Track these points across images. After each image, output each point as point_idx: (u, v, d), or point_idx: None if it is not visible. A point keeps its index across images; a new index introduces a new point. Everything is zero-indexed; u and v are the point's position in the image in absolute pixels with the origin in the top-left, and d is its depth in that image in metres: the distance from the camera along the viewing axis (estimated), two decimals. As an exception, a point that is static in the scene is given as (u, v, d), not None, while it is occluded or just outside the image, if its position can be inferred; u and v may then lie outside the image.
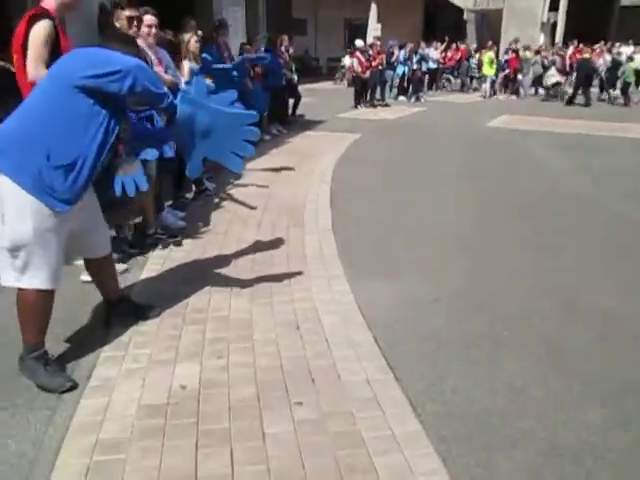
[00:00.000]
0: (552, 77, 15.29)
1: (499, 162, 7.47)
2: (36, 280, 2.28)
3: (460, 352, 2.74)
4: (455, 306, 3.23)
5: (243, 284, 3.41)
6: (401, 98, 15.31)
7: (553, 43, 20.11)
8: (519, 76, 16.12)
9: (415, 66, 15.00)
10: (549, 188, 6.06)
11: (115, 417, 2.18)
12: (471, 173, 6.72)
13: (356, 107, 13.19)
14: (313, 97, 15.02)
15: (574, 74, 15.26)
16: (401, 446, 2.06)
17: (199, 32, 7.30)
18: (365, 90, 13.48)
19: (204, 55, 4.94)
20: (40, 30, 2.96)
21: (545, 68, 15.62)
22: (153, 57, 3.97)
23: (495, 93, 16.41)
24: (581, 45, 17.25)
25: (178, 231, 4.29)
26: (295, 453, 2.02)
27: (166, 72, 4.15)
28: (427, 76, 16.35)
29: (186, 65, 4.78)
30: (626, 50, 16.26)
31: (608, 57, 16.11)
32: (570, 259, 4.02)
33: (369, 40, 16.14)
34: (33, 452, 2.02)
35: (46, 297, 2.34)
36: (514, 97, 16.15)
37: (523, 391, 2.44)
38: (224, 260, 3.81)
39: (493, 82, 16.33)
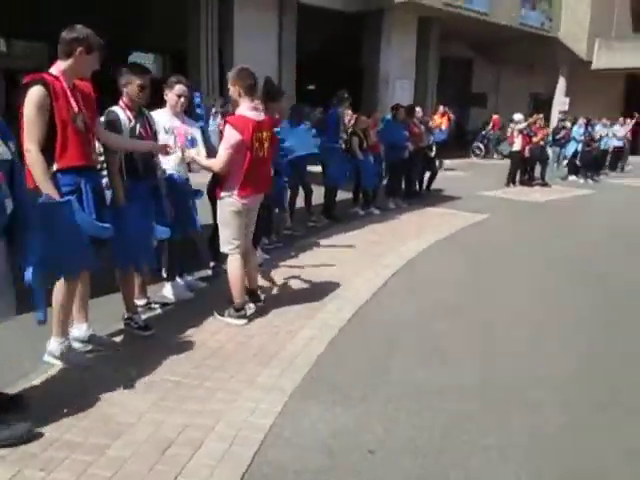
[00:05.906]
0: None
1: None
2: None
3: None
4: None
5: (172, 373, 2.93)
6: (572, 178, 13.54)
7: None
8: None
9: (590, 143, 13.19)
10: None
11: None
12: (597, 286, 5.31)
13: (508, 185, 11.94)
14: (468, 171, 14.13)
15: None
16: None
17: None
18: (521, 168, 12.18)
19: None
20: (31, 98, 2.76)
21: None
22: (167, 125, 3.85)
23: None
24: None
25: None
26: None
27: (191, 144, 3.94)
28: (609, 155, 14.30)
29: None
30: None
31: None
32: None
33: (553, 114, 14.72)
34: None
35: None
36: None
37: None
38: (177, 346, 3.36)
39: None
